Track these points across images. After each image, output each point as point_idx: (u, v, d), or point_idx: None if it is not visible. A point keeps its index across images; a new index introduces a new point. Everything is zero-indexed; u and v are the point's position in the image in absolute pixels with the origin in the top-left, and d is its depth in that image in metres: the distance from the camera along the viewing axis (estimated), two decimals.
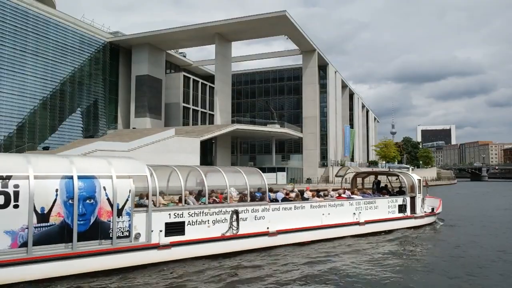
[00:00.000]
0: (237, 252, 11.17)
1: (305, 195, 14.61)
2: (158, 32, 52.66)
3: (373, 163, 77.52)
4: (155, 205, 10.32)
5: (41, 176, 8.51)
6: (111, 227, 9.19)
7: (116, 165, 9.78)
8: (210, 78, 66.62)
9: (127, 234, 9.42)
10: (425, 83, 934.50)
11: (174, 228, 10.20)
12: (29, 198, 8.24)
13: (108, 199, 9.23)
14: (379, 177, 20.40)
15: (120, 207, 9.36)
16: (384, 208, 15.66)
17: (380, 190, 18.19)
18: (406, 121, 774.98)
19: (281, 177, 49.16)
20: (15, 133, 41.26)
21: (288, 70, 73.39)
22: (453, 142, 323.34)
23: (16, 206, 8.16)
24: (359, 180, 20.82)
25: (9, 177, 8.18)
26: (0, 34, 40.08)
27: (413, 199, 16.80)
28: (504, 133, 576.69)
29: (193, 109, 63.01)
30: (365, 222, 14.78)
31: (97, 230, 9.02)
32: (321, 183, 49.92)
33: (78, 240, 8.73)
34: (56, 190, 8.63)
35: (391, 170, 23.42)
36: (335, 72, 67.48)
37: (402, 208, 16.27)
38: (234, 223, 11.26)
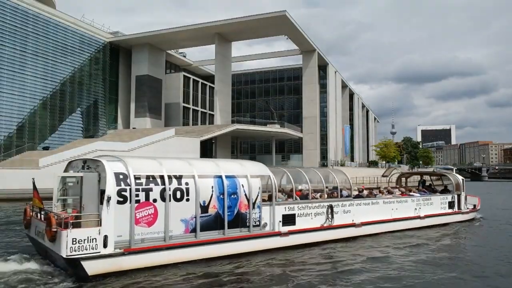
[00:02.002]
0: (331, 240, 13.01)
1: (364, 193, 16.29)
2: (158, 32, 52.65)
3: (373, 163, 77.46)
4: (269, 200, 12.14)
5: (202, 176, 10.40)
6: (247, 217, 11.10)
7: (248, 167, 11.83)
8: (210, 78, 66.61)
9: (258, 224, 11.34)
10: (426, 84, 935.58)
11: (289, 219, 12.11)
12: (196, 193, 10.08)
13: (245, 194, 11.10)
14: (424, 177, 22.86)
15: (253, 201, 11.22)
16: (437, 204, 17.66)
17: (426, 189, 19.99)
18: (407, 121, 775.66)
19: None
20: (15, 133, 41.25)
21: (288, 70, 73.37)
22: (453, 142, 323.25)
23: (187, 200, 9.98)
24: (395, 179, 22.88)
25: (180, 177, 10.02)
26: (0, 34, 40.08)
27: (459, 197, 18.79)
28: (504, 133, 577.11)
29: (193, 109, 63.00)
30: (424, 216, 16.67)
31: (238, 220, 10.92)
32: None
33: (228, 228, 10.61)
34: (212, 187, 10.48)
35: (435, 171, 25.67)
36: (335, 72, 67.46)
37: (451, 205, 18.27)
38: (330, 216, 13.17)
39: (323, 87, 63.18)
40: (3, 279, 8.20)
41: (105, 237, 8.59)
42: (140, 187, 9.28)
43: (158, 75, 56.98)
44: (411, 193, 17.74)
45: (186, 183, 10.02)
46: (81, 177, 9.72)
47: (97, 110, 51.66)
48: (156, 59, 56.77)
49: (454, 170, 24.93)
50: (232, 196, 10.80)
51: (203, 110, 65.71)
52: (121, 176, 9.08)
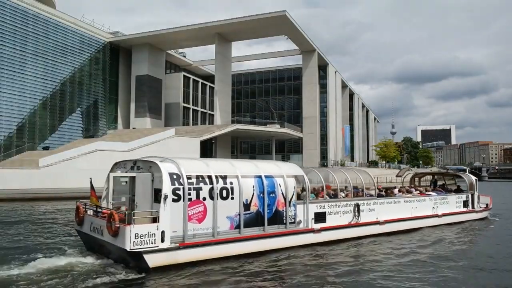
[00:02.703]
0: (358, 237, 13.68)
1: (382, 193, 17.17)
2: (158, 32, 52.64)
3: (373, 163, 77.46)
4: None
5: (244, 176, 11.14)
6: (284, 215, 11.83)
7: (284, 167, 12.63)
8: (210, 78, 66.59)
9: (293, 221, 12.05)
10: (426, 84, 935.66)
11: (320, 217, 12.86)
12: (239, 192, 10.83)
13: (282, 193, 11.81)
14: (435, 177, 23.78)
15: (289, 199, 11.95)
16: (453, 203, 18.43)
17: (442, 188, 20.69)
18: (407, 121, 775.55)
19: None
20: (15, 133, 41.23)
21: (288, 70, 73.35)
22: (453, 142, 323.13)
23: (232, 198, 10.71)
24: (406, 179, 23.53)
25: (225, 177, 10.76)
26: (0, 34, 40.07)
27: (472, 196, 19.63)
28: (504, 133, 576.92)
29: (193, 109, 62.99)
30: (442, 215, 17.42)
31: (276, 217, 11.64)
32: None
33: (267, 225, 11.33)
34: (253, 187, 11.21)
35: (449, 171, 26.69)
36: (335, 72, 67.45)
37: (466, 204, 19.09)
38: (356, 214, 13.91)
39: (323, 87, 63.17)
40: (71, 271, 8.97)
41: (163, 232, 9.31)
42: (192, 186, 10.03)
43: (158, 75, 56.98)
44: (428, 193, 18.46)
45: (231, 183, 10.78)
46: (134, 177, 10.51)
47: (97, 110, 51.65)
48: (156, 59, 56.76)
49: (467, 171, 25.45)
50: (271, 195, 11.54)
51: (203, 110, 65.70)
52: (174, 176, 9.83)
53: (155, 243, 9.19)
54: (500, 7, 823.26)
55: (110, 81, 53.98)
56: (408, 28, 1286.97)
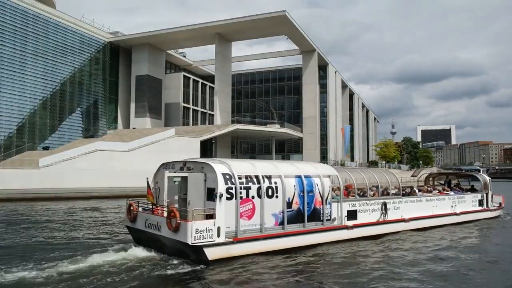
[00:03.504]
0: (385, 233, 14.50)
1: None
2: (158, 32, 52.64)
3: (373, 163, 77.48)
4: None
5: (286, 176, 11.92)
6: (321, 212, 12.64)
7: (319, 168, 13.56)
8: (210, 78, 66.59)
9: (329, 218, 12.88)
10: (426, 84, 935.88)
11: (352, 214, 13.63)
12: (283, 191, 11.62)
13: (319, 192, 12.61)
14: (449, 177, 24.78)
15: (325, 198, 12.75)
16: (469, 202, 19.26)
17: (460, 188, 21.54)
18: (407, 122, 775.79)
19: None
20: (15, 133, 41.23)
21: (288, 70, 73.35)
22: (453, 142, 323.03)
23: (276, 197, 11.49)
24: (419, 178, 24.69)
25: (270, 177, 11.55)
26: (0, 34, 40.07)
27: (486, 195, 20.39)
28: (504, 133, 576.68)
29: (193, 109, 63.00)
30: (460, 213, 18.26)
31: (314, 215, 12.44)
32: None
33: (307, 221, 12.15)
34: (294, 186, 12.01)
35: (463, 171, 27.66)
36: (335, 72, 67.46)
37: (481, 202, 19.90)
38: (384, 212, 14.68)
39: (323, 87, 63.18)
40: (129, 264, 9.72)
41: (218, 228, 10.11)
42: (242, 186, 10.83)
43: (158, 75, 56.98)
44: (446, 192, 19.31)
45: (275, 182, 11.58)
46: (186, 177, 11.35)
47: (97, 110, 51.64)
48: (156, 59, 56.77)
49: (481, 171, 26.07)
50: (310, 193, 12.34)
51: (203, 110, 65.71)
52: (227, 176, 10.62)
53: (212, 238, 9.98)
54: (500, 7, 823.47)
55: (110, 81, 53.98)
56: (408, 28, 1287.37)
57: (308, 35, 54.68)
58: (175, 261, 9.99)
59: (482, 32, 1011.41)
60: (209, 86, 66.21)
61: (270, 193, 11.37)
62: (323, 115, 62.59)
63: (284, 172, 11.94)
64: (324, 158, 60.68)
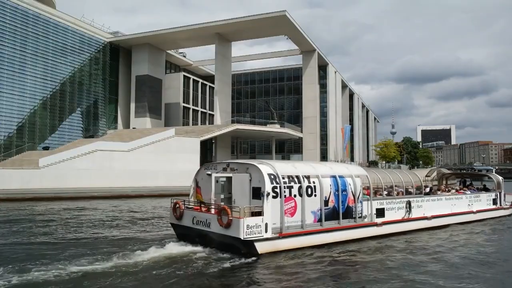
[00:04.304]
0: (409, 230, 15.25)
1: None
2: (158, 32, 52.62)
3: (373, 163, 77.44)
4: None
5: (323, 176, 12.78)
6: (353, 210, 13.46)
7: (351, 168, 14.50)
8: (210, 78, 66.57)
9: (360, 216, 13.67)
10: (427, 84, 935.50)
11: (380, 212, 14.47)
12: (320, 190, 12.47)
13: (352, 191, 13.41)
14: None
15: (357, 196, 13.57)
16: (484, 201, 20.15)
17: (468, 186, 22.30)
18: (407, 122, 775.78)
19: None
20: (15, 133, 41.22)
21: (288, 70, 73.32)
22: (453, 142, 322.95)
23: (315, 195, 12.35)
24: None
25: (309, 177, 12.37)
26: (0, 34, 40.07)
27: (500, 194, 21.31)
28: (505, 133, 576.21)
29: (193, 109, 62.99)
30: (476, 211, 19.12)
31: (348, 212, 13.26)
32: None
33: (342, 218, 12.96)
34: (330, 185, 12.83)
35: (476, 171, 28.48)
36: (335, 72, 67.44)
37: (495, 201, 20.79)
38: (408, 210, 15.55)
39: (323, 87, 63.14)
40: (185, 257, 10.57)
41: (266, 224, 10.92)
42: (285, 185, 11.61)
43: (158, 75, 56.97)
44: (463, 191, 20.18)
45: (313, 182, 12.43)
46: (230, 177, 12.24)
47: (97, 110, 51.63)
48: (156, 59, 56.76)
49: (494, 171, 26.52)
50: (343, 192, 13.16)
51: (203, 110, 65.70)
52: (272, 176, 11.41)
53: (261, 233, 10.80)
54: (501, 8, 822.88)
55: (110, 81, 53.97)
56: (409, 28, 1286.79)
57: (309, 36, 54.68)
58: (226, 255, 10.69)
59: (483, 32, 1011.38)
60: (209, 86, 66.20)
61: (309, 192, 12.21)
62: (323, 115, 62.55)
63: (321, 173, 12.83)
64: (324, 158, 60.65)
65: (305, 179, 12.23)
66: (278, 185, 11.38)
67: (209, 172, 12.74)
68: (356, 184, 13.59)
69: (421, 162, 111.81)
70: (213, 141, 52.58)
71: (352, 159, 74.93)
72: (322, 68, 62.86)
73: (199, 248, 11.40)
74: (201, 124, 62.44)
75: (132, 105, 55.25)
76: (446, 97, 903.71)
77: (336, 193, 12.91)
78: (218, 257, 10.61)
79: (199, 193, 12.42)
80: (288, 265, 10.25)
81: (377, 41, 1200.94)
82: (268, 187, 11.08)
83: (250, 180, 11.59)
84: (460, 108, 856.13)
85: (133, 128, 51.87)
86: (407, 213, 15.54)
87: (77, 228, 15.94)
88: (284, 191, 11.50)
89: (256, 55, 69.10)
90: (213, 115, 58.06)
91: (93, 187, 33.19)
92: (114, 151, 36.28)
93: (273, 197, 11.22)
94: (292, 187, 11.79)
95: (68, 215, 20.08)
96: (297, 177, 12.07)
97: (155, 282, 8.65)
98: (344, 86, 76.59)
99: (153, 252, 10.82)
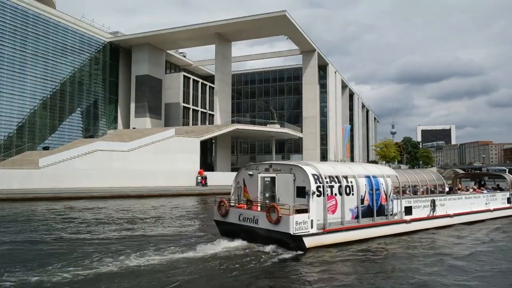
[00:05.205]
0: (434, 227, 16.12)
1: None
2: (158, 32, 52.62)
3: (373, 163, 77.44)
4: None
5: (359, 176, 13.56)
6: (385, 208, 14.27)
7: (382, 169, 15.46)
8: (210, 78, 66.58)
9: (391, 213, 14.46)
10: (427, 84, 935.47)
11: (408, 210, 15.25)
12: (357, 189, 13.26)
13: (384, 190, 14.20)
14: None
15: (389, 195, 14.37)
16: (500, 200, 21.09)
17: (484, 186, 23.11)
18: (408, 122, 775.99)
19: None
20: (15, 133, 41.23)
21: (288, 70, 73.32)
22: (453, 142, 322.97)
23: (352, 194, 13.13)
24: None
25: (347, 177, 13.16)
26: (0, 34, 40.07)
27: None
28: (505, 133, 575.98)
29: (193, 109, 62.99)
30: (493, 209, 20.00)
31: (381, 210, 14.08)
32: None
33: (376, 216, 13.79)
34: (365, 185, 13.60)
35: (489, 171, 28.00)
36: (335, 72, 67.43)
37: (509, 200, 21.73)
38: (433, 208, 16.38)
39: (323, 87, 63.14)
40: (235, 251, 11.31)
41: (312, 220, 11.69)
42: (327, 184, 12.39)
43: (158, 75, 56.97)
44: (480, 190, 21.01)
45: (351, 182, 13.21)
46: (274, 177, 13.06)
47: (97, 110, 51.63)
48: (156, 59, 56.76)
49: (507, 171, 26.79)
50: (377, 191, 13.93)
51: (203, 110, 65.70)
52: (315, 176, 12.19)
53: (307, 229, 11.55)
54: (501, 8, 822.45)
55: (110, 81, 53.97)
56: (409, 28, 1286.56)
57: (310, 36, 54.69)
58: (274, 249, 11.43)
59: (483, 32, 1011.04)
60: (209, 86, 66.20)
61: (347, 191, 13.00)
62: (323, 115, 62.55)
63: (357, 173, 13.63)
64: (324, 158, 60.67)
65: (343, 179, 13.04)
66: (321, 185, 12.18)
67: (251, 173, 13.74)
68: (387, 184, 14.41)
69: (421, 162, 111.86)
70: (213, 141, 52.60)
71: (352, 159, 74.95)
72: (322, 68, 62.86)
73: (243, 243, 12.16)
74: (201, 124, 62.46)
75: (132, 105, 55.25)
76: (446, 97, 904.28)
77: (371, 192, 13.71)
78: (266, 252, 11.34)
79: (246, 192, 13.33)
80: (330, 258, 11.13)
81: (377, 41, 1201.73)
82: (313, 186, 11.87)
83: (294, 180, 12.42)
84: (460, 108, 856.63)
85: (133, 128, 51.88)
86: (431, 211, 16.35)
87: (151, 224, 17.15)
88: (327, 190, 12.31)
89: (256, 55, 69.11)
90: (213, 115, 58.07)
91: (93, 187, 33.20)
92: (114, 151, 36.29)
93: (317, 195, 12.03)
94: (333, 186, 12.62)
95: (90, 214, 20.14)
96: (337, 177, 12.91)
97: (219, 275, 9.26)
98: (344, 86, 76.59)
99: (203, 248, 11.50)
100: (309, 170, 12.24)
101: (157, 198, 30.63)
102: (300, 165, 12.57)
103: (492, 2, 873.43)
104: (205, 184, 39.85)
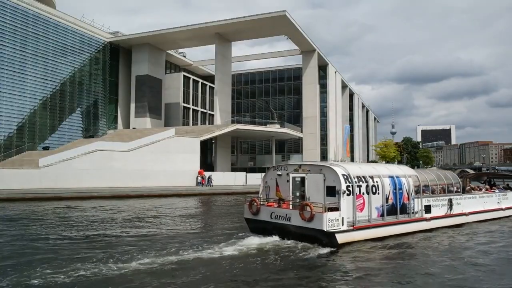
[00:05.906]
0: (451, 225, 16.85)
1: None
2: (158, 32, 52.61)
3: (373, 163, 77.37)
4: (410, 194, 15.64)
5: (383, 176, 14.35)
6: (408, 206, 15.01)
7: (404, 169, 16.17)
8: (210, 78, 66.56)
9: (413, 211, 15.20)
10: (427, 84, 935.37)
11: (428, 208, 15.99)
12: (382, 189, 14.04)
13: (406, 189, 14.93)
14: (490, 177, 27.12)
15: (410, 194, 15.08)
16: (510, 198, 21.78)
17: (495, 185, 23.83)
18: (408, 122, 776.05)
19: None
20: (15, 133, 41.21)
21: (288, 70, 73.29)
22: (453, 142, 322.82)
23: (378, 193, 13.90)
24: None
25: (372, 177, 13.91)
26: (0, 34, 40.06)
27: None
28: (505, 133, 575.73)
29: (193, 109, 62.98)
30: (505, 208, 20.82)
31: (403, 208, 14.81)
32: None
33: (399, 214, 14.54)
34: (389, 184, 14.38)
35: (500, 171, 28.73)
36: (335, 72, 67.42)
37: None
38: (450, 207, 17.10)
39: (323, 87, 63.13)
40: (272, 247, 11.93)
41: (342, 218, 12.40)
42: (356, 184, 13.08)
43: (158, 75, 56.96)
44: (492, 190, 21.71)
45: (377, 181, 13.95)
46: (304, 177, 13.75)
47: (97, 110, 51.61)
48: (156, 59, 56.74)
49: None
50: (400, 190, 14.67)
51: (203, 110, 65.68)
52: (345, 176, 12.85)
53: (339, 226, 12.23)
54: (500, 8, 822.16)
55: (110, 81, 53.95)
56: (409, 29, 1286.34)
57: (310, 36, 54.69)
58: (307, 245, 12.01)
59: (483, 32, 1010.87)
60: (209, 86, 66.18)
61: (374, 190, 13.69)
62: (323, 115, 62.54)
63: (381, 173, 14.39)
64: (324, 158, 60.65)
65: (370, 179, 13.73)
66: (350, 184, 12.85)
67: (280, 173, 14.47)
68: (409, 183, 15.10)
69: (421, 162, 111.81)
70: (213, 141, 52.58)
71: (352, 159, 74.93)
72: (322, 68, 62.84)
73: (274, 239, 12.76)
74: (201, 124, 62.44)
75: (132, 105, 55.23)
76: (446, 97, 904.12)
77: (394, 191, 14.42)
78: (299, 247, 11.92)
79: (279, 191, 13.93)
80: (359, 253, 11.75)
81: (378, 41, 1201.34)
82: (343, 186, 12.55)
83: (324, 180, 13.08)
84: (460, 108, 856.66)
85: (133, 128, 51.86)
86: (448, 210, 17.08)
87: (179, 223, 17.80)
88: (356, 190, 12.98)
89: (256, 55, 69.07)
90: (213, 115, 58.04)
91: (93, 187, 33.19)
92: (114, 151, 36.28)
93: (347, 194, 12.70)
94: (361, 186, 13.29)
95: (102, 214, 20.26)
96: (364, 177, 13.59)
97: (257, 270, 9.73)
98: (344, 86, 76.57)
99: (237, 244, 12.07)
100: (339, 171, 12.89)
101: (157, 198, 30.62)
102: (330, 165, 13.23)
103: (492, 2, 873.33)
104: (206, 184, 39.80)
